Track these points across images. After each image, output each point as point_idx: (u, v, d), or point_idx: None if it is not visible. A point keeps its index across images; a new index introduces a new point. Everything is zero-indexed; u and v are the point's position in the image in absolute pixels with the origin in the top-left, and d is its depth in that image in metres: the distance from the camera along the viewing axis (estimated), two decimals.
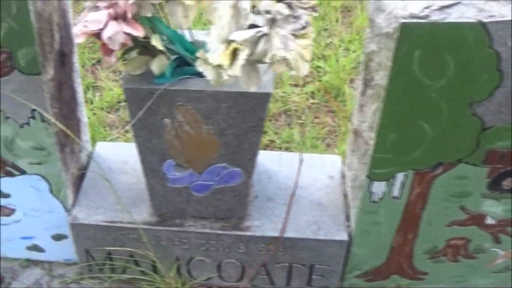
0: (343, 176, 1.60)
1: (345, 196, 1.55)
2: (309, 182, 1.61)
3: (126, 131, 2.07)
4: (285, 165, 1.65)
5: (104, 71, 2.33)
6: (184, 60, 1.30)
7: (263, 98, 1.27)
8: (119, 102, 2.21)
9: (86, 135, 1.60)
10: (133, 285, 1.57)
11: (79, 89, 1.51)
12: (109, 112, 2.19)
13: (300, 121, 2.15)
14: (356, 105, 1.39)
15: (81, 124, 1.55)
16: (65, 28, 1.38)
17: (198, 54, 1.20)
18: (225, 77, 1.13)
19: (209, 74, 1.14)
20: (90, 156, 1.62)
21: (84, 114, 1.55)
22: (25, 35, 1.23)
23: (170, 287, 1.53)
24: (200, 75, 1.28)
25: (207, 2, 1.18)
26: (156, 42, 1.22)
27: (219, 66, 1.13)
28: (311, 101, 2.23)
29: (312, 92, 2.25)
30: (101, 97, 2.23)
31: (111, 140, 2.02)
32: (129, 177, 1.56)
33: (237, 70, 1.12)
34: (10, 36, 1.22)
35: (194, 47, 1.29)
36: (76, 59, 1.47)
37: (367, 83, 1.29)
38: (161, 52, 1.25)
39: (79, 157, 1.55)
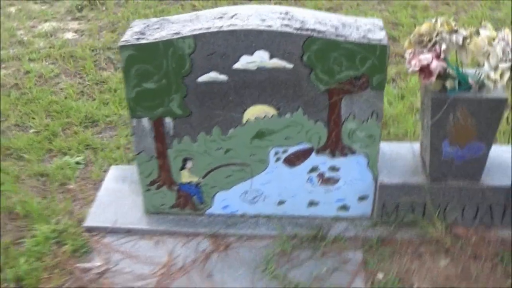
0: None
1: None
2: None
3: None
4: None
5: None
6: (459, 82, 2.59)
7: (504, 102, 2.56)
8: None
9: None
10: (409, 226, 2.78)
11: None
12: None
13: None
14: None
15: None
16: None
17: (470, 80, 2.51)
18: (498, 85, 2.44)
19: (490, 84, 2.45)
20: None
21: None
22: (379, 68, 2.53)
23: (434, 225, 2.74)
24: (467, 91, 2.57)
25: (477, 50, 2.50)
26: (452, 72, 2.53)
27: (494, 80, 2.44)
28: None
29: None
30: None
31: None
32: (403, 161, 2.83)
33: (504, 82, 2.43)
34: (371, 68, 2.54)
35: (464, 76, 2.59)
36: None
37: None
38: (450, 77, 2.55)
39: None
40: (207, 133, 2.74)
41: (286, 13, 2.64)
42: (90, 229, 2.97)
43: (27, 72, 4.62)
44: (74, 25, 5.43)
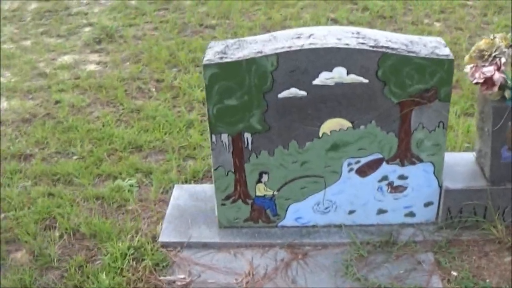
0: None
1: None
2: None
3: None
4: None
5: None
6: None
7: None
8: None
9: None
10: (472, 228, 3.04)
11: None
12: None
13: None
14: None
15: None
16: None
17: None
18: None
19: None
20: None
21: None
22: (446, 81, 2.82)
23: (496, 226, 3.01)
24: None
25: None
26: (497, 83, 2.83)
27: None
28: None
29: None
30: None
31: None
32: (462, 167, 3.11)
33: None
34: (439, 81, 2.82)
35: None
36: None
37: None
38: (507, 88, 2.85)
39: None
40: (284, 146, 2.97)
41: (358, 33, 2.91)
42: (165, 245, 3.15)
43: (57, 102, 4.78)
44: (95, 57, 5.62)
